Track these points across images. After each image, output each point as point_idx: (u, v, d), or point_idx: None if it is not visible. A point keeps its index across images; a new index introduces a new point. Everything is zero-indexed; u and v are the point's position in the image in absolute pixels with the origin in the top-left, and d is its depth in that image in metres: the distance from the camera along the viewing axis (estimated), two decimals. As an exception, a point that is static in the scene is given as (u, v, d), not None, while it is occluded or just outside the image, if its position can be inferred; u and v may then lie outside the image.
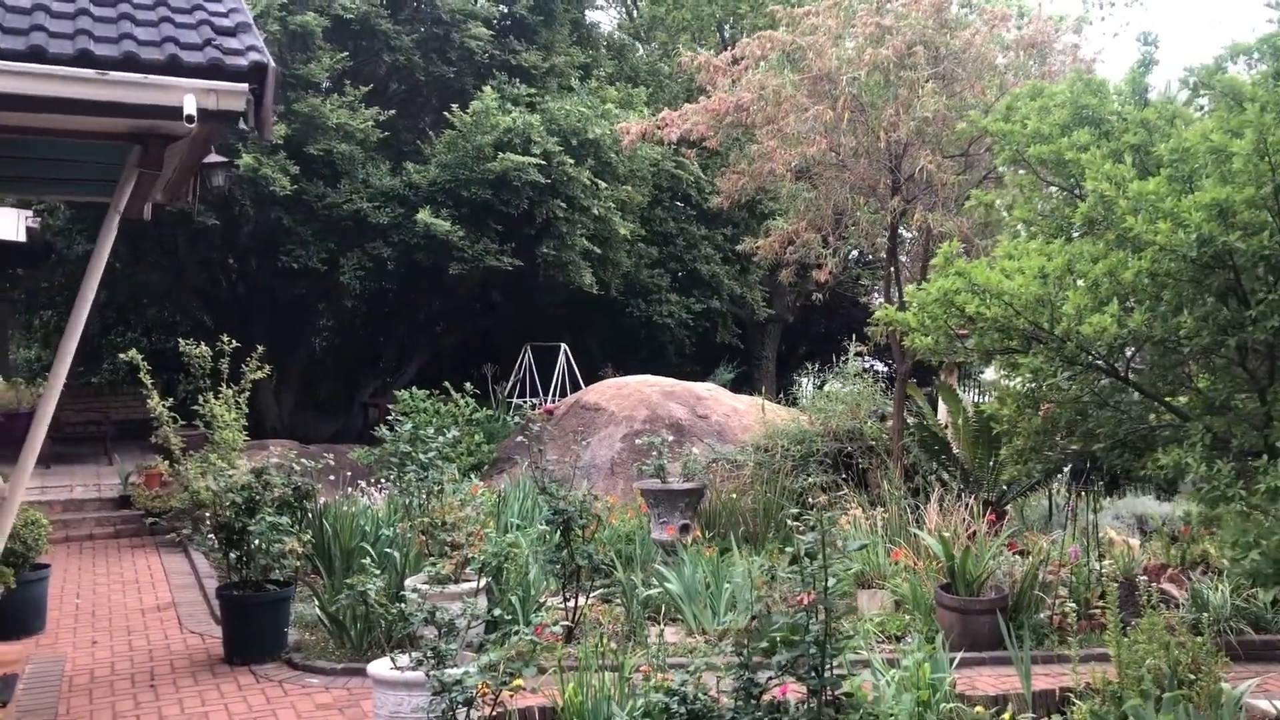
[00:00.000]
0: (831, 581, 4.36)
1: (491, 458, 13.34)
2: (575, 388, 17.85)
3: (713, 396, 12.55)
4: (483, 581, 6.63)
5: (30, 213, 12.31)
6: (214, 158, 6.80)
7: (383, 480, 12.20)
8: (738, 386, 18.21)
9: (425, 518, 7.11)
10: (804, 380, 31.44)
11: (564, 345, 17.90)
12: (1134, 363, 5.28)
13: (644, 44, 24.66)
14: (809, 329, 27.64)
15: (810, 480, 10.35)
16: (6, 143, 5.32)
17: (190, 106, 4.28)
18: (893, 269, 9.87)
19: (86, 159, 5.66)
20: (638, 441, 10.21)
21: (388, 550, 8.47)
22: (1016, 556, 7.97)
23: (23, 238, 11.89)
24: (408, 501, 7.46)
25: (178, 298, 18.16)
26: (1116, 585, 5.29)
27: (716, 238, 20.74)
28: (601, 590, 7.97)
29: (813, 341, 29.72)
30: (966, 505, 8.67)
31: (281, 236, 14.41)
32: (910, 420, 10.35)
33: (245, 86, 4.48)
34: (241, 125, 4.67)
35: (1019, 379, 6.99)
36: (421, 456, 7.28)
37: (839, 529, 8.69)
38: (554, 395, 17.74)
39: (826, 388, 12.10)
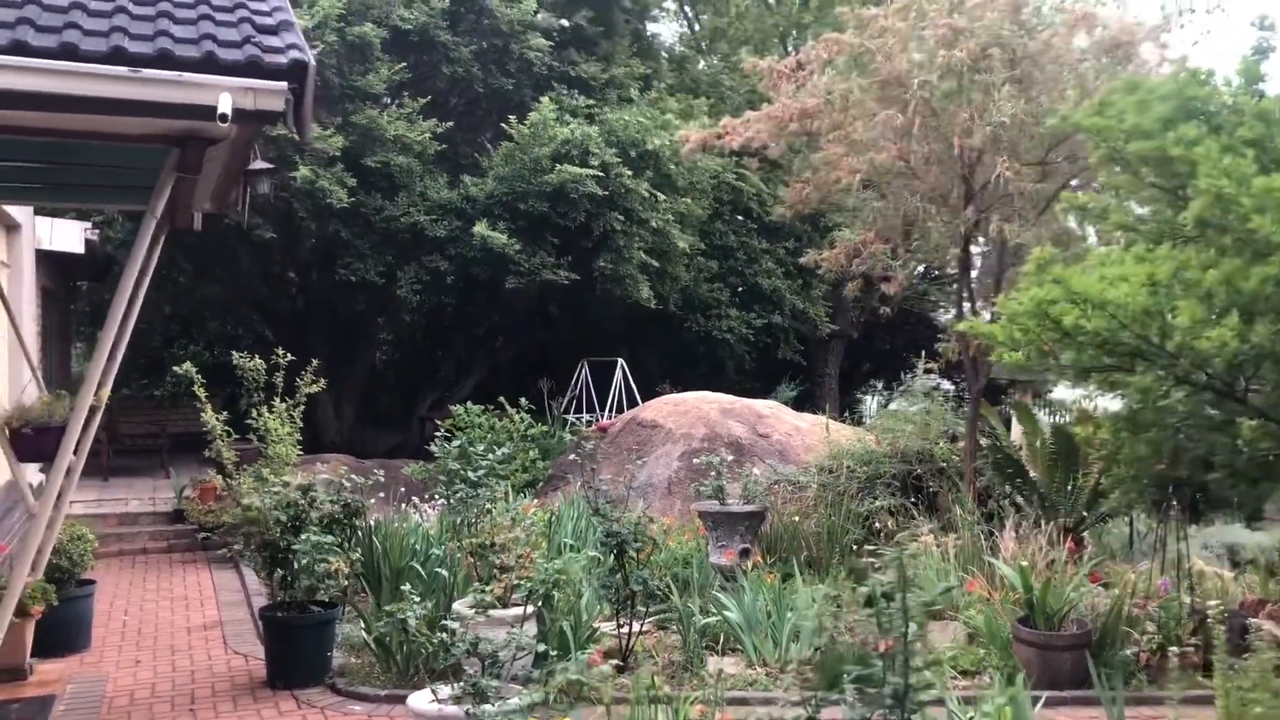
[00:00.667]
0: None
1: (546, 475, 13.09)
2: (632, 403, 17.57)
3: (774, 414, 12.17)
4: (530, 608, 6.34)
5: (89, 225, 12.34)
6: (259, 164, 6.63)
7: (436, 496, 12.04)
8: (800, 404, 17.79)
9: (474, 538, 6.85)
10: (868, 398, 30.94)
11: (621, 360, 17.62)
12: (1251, 383, 4.86)
13: (705, 56, 24.44)
14: (872, 346, 27.10)
15: (877, 504, 9.95)
16: (50, 148, 5.17)
17: (225, 105, 4.07)
18: (965, 283, 9.44)
19: (131, 165, 5.50)
20: (696, 460, 9.88)
21: (438, 570, 8.24)
22: (1100, 588, 7.51)
23: (82, 249, 11.91)
24: (457, 520, 7.19)
25: (238, 311, 18.20)
26: (1223, 625, 4.82)
27: (778, 251, 20.36)
28: (657, 616, 7.66)
29: (877, 359, 29.17)
30: (1045, 532, 8.23)
31: (339, 249, 14.33)
32: (983, 441, 9.89)
33: (284, 85, 4.25)
34: (280, 128, 4.46)
35: (1118, 400, 6.54)
36: (471, 474, 7.01)
37: (912, 557, 8.29)
38: (610, 411, 17.47)
39: (893, 406, 11.66)
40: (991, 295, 9.69)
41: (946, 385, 24.97)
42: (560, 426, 15.43)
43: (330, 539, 6.81)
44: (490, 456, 7.24)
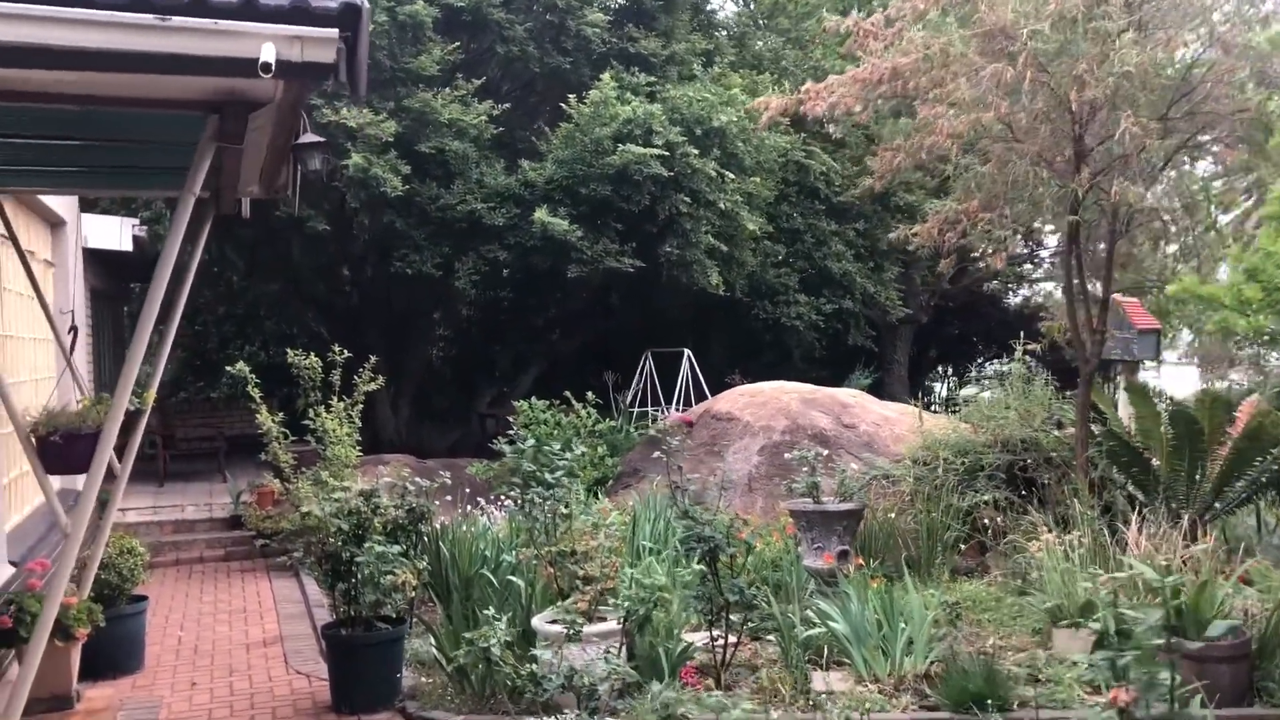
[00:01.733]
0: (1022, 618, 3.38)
1: (615, 472, 12.50)
2: (700, 395, 16.94)
3: (859, 404, 11.47)
4: (613, 621, 5.75)
5: (137, 221, 11.95)
6: (309, 137, 6.07)
7: (502, 497, 11.51)
8: (873, 393, 17.03)
9: (553, 546, 6.27)
10: (937, 385, 29.85)
11: (687, 351, 16.98)
12: None
13: (764, 34, 23.64)
14: (941, 330, 26.17)
15: (981, 497, 9.23)
16: (77, 122, 4.64)
17: (269, 54, 3.49)
18: (1075, 253, 8.68)
19: (169, 139, 4.95)
20: (787, 455, 9.23)
21: (510, 579, 7.70)
22: (1251, 590, 6.76)
23: (130, 246, 11.52)
24: (531, 525, 6.62)
25: (292, 309, 17.88)
26: None
27: (848, 233, 19.57)
28: (751, 625, 7.03)
29: (945, 344, 28.21)
30: (1175, 525, 7.48)
31: (394, 240, 13.85)
32: (1095, 428, 9.12)
33: (335, 33, 3.67)
34: (331, 83, 3.87)
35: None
36: (547, 476, 6.43)
37: (1030, 556, 7.58)
38: (678, 403, 16.85)
39: (982, 393, 10.88)
40: (1103, 268, 8.93)
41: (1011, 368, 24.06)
42: (627, 421, 14.82)
43: (396, 549, 6.27)
44: (568, 456, 6.64)
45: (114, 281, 13.59)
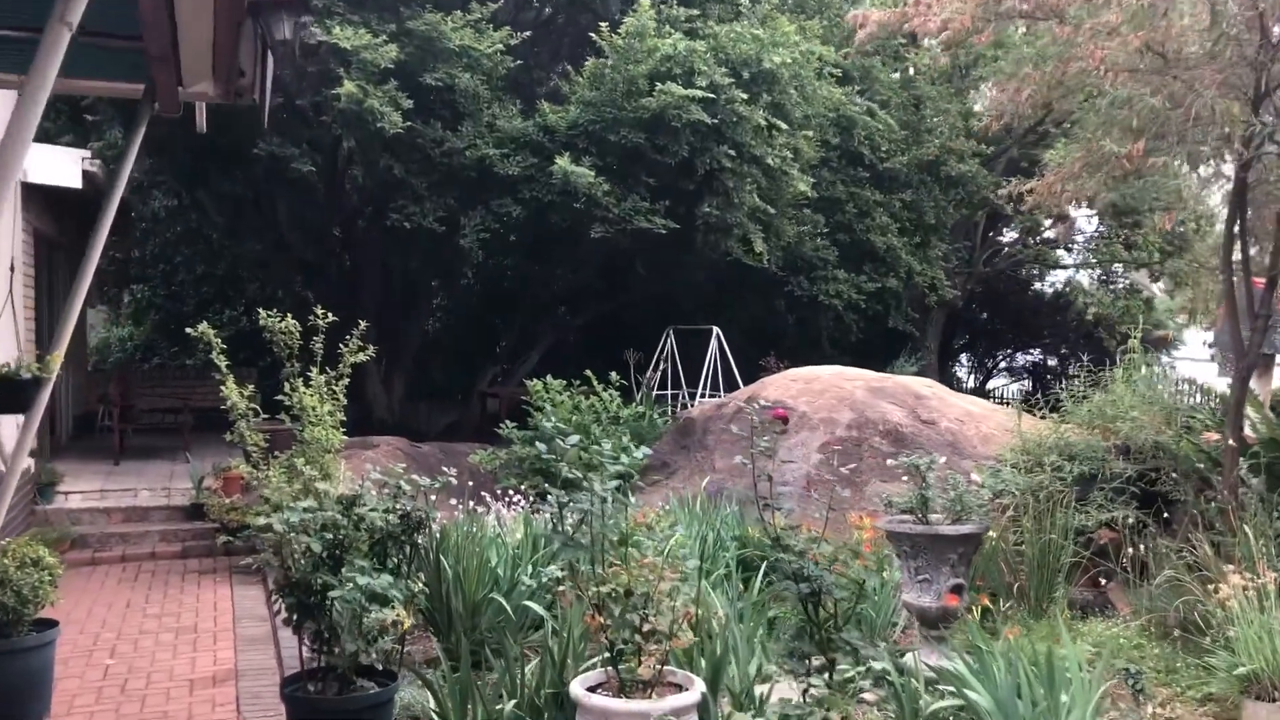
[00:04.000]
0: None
1: (640, 464, 10.83)
2: (728, 379, 15.35)
3: (936, 395, 9.87)
4: (694, 692, 4.16)
5: (88, 153, 10.27)
6: (276, -7, 4.42)
7: (513, 492, 9.90)
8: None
9: (602, 584, 4.64)
10: (965, 375, 28.21)
11: (716, 329, 15.35)
12: None
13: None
14: (968, 316, 24.53)
15: (1108, 515, 7.63)
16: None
17: None
18: (1239, 220, 7.06)
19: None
20: (890, 463, 7.65)
21: (529, 605, 6.15)
22: None
23: (79, 183, 9.85)
24: (573, 554, 5.01)
25: (278, 271, 16.27)
26: None
27: (893, 204, 17.90)
28: (841, 676, 5.43)
29: (972, 332, 26.60)
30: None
31: (392, 190, 12.19)
32: (1251, 433, 7.52)
33: None
34: None
35: None
36: (596, 484, 4.81)
37: (1215, 604, 5.97)
38: (704, 387, 15.27)
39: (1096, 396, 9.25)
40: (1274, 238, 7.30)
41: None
42: (650, 405, 13.20)
43: (386, 580, 4.64)
44: (625, 459, 5.04)
45: (66, 227, 11.91)
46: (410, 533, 5.95)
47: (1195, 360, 25.49)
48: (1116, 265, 22.16)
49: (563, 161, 11.33)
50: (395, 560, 5.80)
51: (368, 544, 5.23)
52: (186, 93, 5.05)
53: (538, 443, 9.23)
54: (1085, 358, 24.74)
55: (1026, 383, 26.68)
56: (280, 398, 8.15)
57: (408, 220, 11.78)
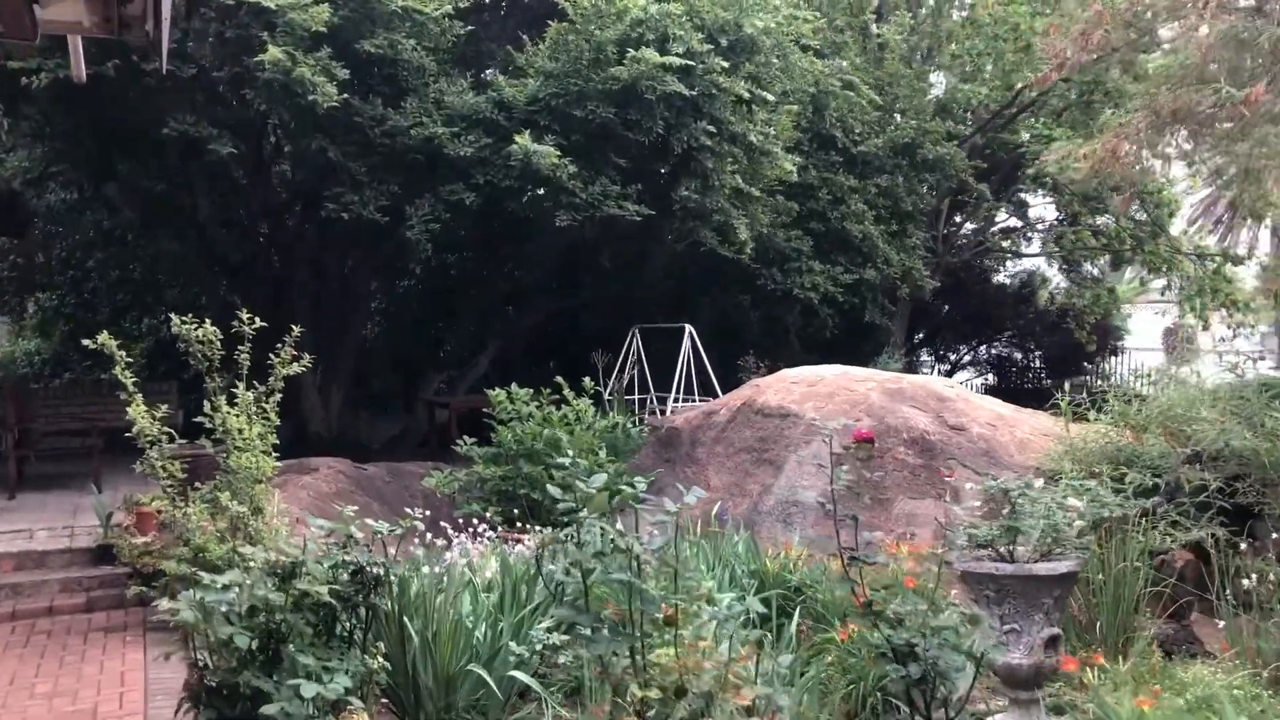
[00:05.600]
0: None
1: (620, 482, 9.58)
2: (703, 382, 14.15)
3: (961, 397, 8.75)
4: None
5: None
6: None
7: (474, 518, 8.61)
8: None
9: (635, 676, 3.39)
10: (928, 371, 27.39)
11: (689, 328, 14.13)
12: None
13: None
14: (931, 309, 23.61)
15: (1186, 533, 6.54)
16: None
17: None
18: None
19: None
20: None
21: (516, 675, 4.92)
22: None
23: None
24: (602, 653, 3.74)
25: (200, 273, 14.81)
26: None
27: (868, 190, 16.80)
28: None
29: (935, 325, 25.67)
30: None
31: (326, 177, 10.81)
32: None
33: None
34: None
35: None
36: (637, 548, 3.56)
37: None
38: (678, 392, 14.05)
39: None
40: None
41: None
42: (623, 413, 11.94)
43: (342, 682, 3.35)
44: (637, 482, 3.82)
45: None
46: (365, 593, 4.72)
47: (1147, 350, 25.11)
48: (1081, 254, 21.50)
49: (522, 140, 10.03)
50: (347, 626, 4.57)
51: (314, 622, 3.94)
52: (48, 20, 3.69)
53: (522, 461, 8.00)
54: (1052, 350, 24.16)
55: (991, 376, 25.95)
56: (201, 418, 6.94)
57: (345, 210, 10.39)
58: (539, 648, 5.00)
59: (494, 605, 5.77)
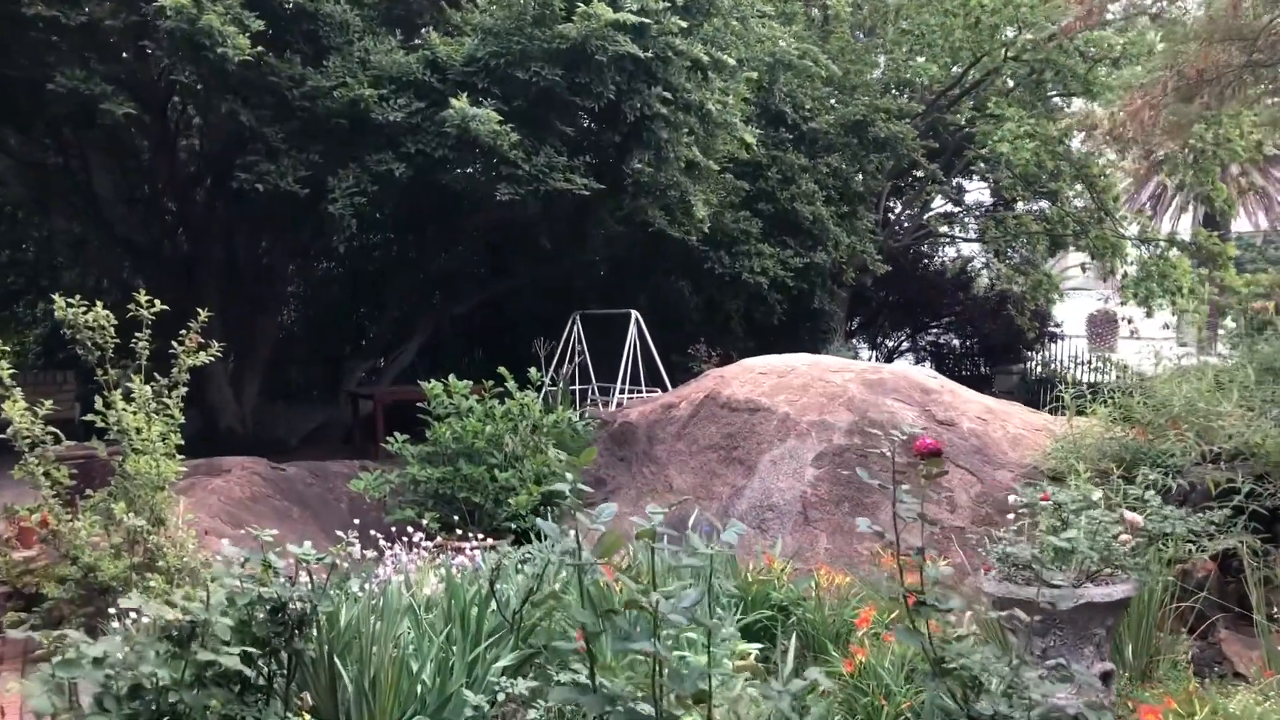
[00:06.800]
0: None
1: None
2: (651, 373, 13.36)
3: (947, 389, 8.07)
4: None
5: None
6: None
7: (408, 525, 7.71)
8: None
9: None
10: (865, 357, 26.96)
11: (635, 314, 13.31)
12: None
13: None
14: (868, 295, 23.16)
15: (1225, 542, 5.92)
16: None
17: None
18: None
19: None
20: (886, 470, 5.70)
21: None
22: None
23: None
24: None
25: (100, 255, 13.62)
26: None
27: (819, 169, 16.13)
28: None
29: (872, 310, 25.21)
30: None
31: (239, 144, 9.79)
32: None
33: None
34: None
35: None
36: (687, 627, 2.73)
37: None
38: (624, 382, 13.24)
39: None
40: None
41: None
42: (568, 406, 11.09)
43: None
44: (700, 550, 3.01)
45: None
46: (288, 635, 3.87)
47: (1075, 337, 25.11)
48: (1023, 239, 21.18)
49: (459, 104, 9.10)
50: (266, 672, 3.74)
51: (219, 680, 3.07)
52: None
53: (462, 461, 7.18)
54: (991, 337, 23.88)
55: (928, 364, 25.66)
56: (91, 417, 6.05)
57: (261, 181, 9.37)
58: (500, 697, 4.17)
59: (443, 641, 4.92)
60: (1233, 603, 6.08)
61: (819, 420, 7.64)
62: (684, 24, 9.74)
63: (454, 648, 4.88)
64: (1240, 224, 32.58)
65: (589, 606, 2.61)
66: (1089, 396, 7.57)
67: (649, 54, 9.60)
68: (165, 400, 6.13)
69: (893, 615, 5.42)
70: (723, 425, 8.19)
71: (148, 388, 6.00)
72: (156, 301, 5.90)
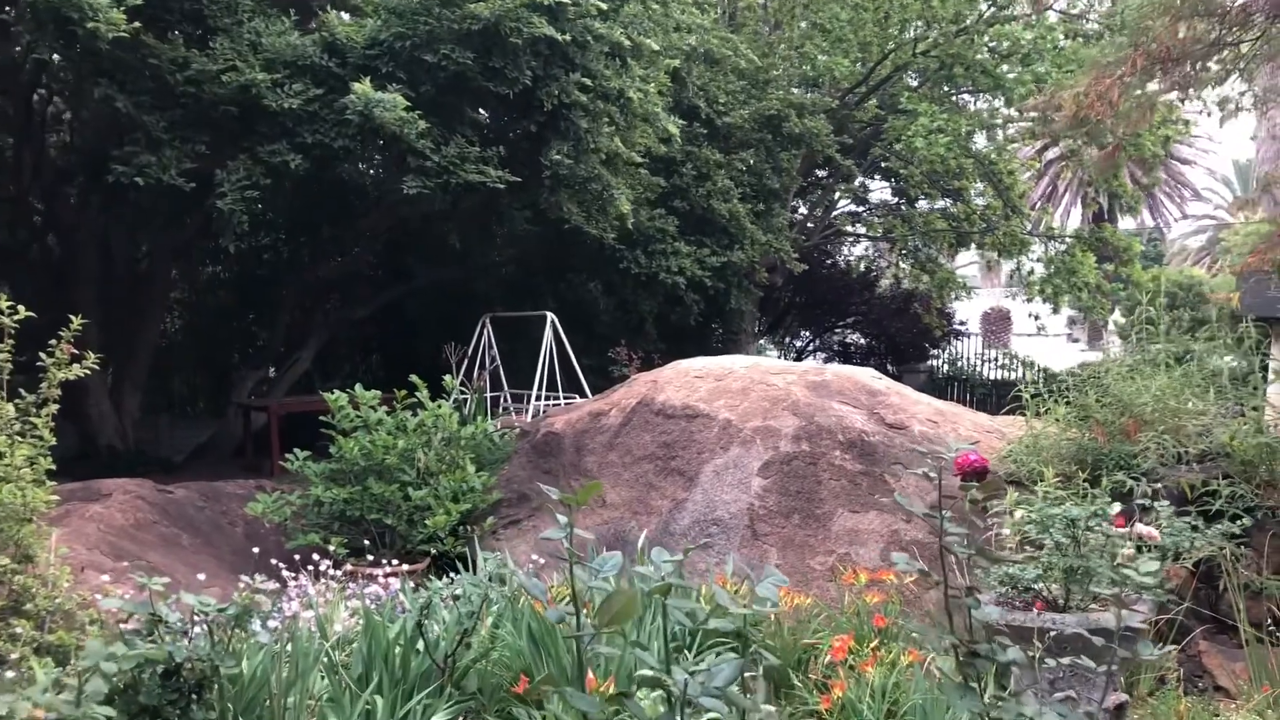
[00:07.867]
0: None
1: (491, 500, 8.16)
2: (569, 379, 12.78)
3: (894, 391, 7.68)
4: None
5: None
6: None
7: (313, 551, 7.02)
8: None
9: None
10: (774, 357, 26.78)
11: (551, 316, 12.72)
12: None
13: None
14: (771, 297, 22.96)
15: (1198, 549, 5.60)
16: None
17: None
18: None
19: None
20: (836, 478, 5.35)
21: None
22: None
23: None
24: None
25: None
26: None
27: (734, 166, 15.75)
28: None
29: (777, 313, 25.01)
30: None
31: (114, 134, 8.92)
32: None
33: None
34: None
35: None
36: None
37: None
38: (540, 389, 12.63)
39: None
40: None
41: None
42: (483, 415, 10.46)
43: None
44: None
45: None
46: (184, 702, 3.27)
47: (970, 335, 25.42)
48: (929, 237, 21.20)
49: (362, 88, 8.43)
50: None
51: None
52: None
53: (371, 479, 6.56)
54: (898, 335, 23.93)
55: (837, 363, 25.55)
56: None
57: (140, 174, 8.55)
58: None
59: (360, 686, 4.31)
60: (1214, 612, 5.80)
61: (763, 426, 7.18)
62: (604, 5, 9.22)
63: (379, 699, 4.28)
64: (1125, 222, 33.54)
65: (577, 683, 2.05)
66: (1040, 396, 7.27)
67: (566, 37, 9.04)
68: (32, 420, 5.39)
69: (873, 644, 4.97)
70: (659, 434, 7.67)
71: (10, 406, 5.25)
72: (21, 309, 5.17)
